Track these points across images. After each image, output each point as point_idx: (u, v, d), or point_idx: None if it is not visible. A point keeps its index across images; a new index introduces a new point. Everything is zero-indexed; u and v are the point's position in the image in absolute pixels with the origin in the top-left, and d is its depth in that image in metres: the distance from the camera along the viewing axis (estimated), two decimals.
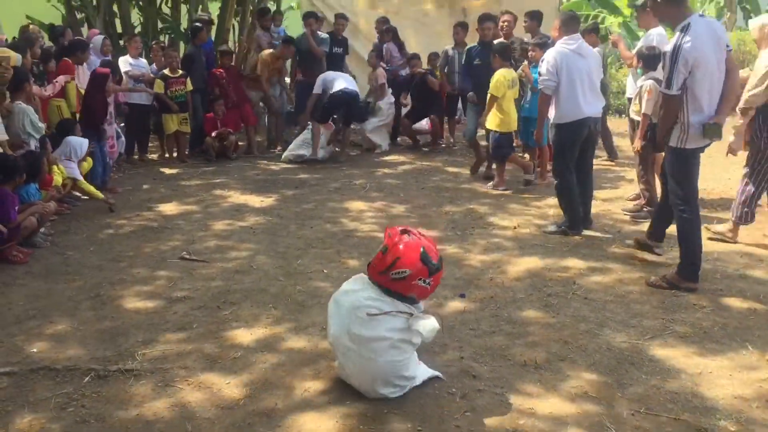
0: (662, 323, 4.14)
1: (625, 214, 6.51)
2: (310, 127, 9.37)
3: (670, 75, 4.37)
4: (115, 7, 13.19)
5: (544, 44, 6.86)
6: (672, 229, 4.90)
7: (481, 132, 8.34)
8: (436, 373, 3.50)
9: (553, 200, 6.41)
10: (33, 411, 3.24)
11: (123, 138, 9.01)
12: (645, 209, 6.38)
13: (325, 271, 5.09)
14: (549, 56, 5.81)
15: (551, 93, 5.80)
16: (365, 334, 3.25)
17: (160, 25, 13.98)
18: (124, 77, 9.04)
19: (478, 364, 3.64)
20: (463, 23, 9.64)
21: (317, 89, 9.15)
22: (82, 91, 7.73)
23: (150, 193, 7.66)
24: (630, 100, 7.09)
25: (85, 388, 3.42)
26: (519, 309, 4.37)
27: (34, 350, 3.85)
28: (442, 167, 8.94)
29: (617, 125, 11.87)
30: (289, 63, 10.58)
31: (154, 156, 9.80)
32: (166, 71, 9.20)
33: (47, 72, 7.66)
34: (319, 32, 10.21)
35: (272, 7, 14.53)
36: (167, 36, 13.90)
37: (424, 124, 10.61)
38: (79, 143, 7.01)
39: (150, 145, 9.99)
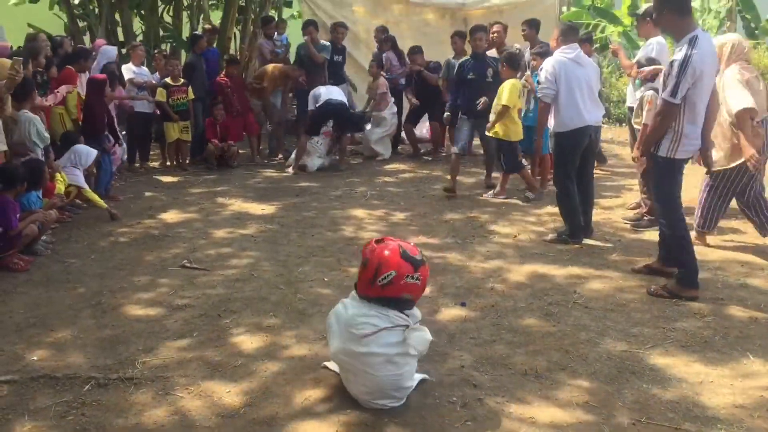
0: (663, 332, 4.13)
1: (625, 223, 6.51)
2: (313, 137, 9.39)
3: (676, 84, 4.38)
4: (117, 16, 13.25)
5: (545, 53, 6.88)
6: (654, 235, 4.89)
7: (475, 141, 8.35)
8: (424, 375, 3.50)
9: (554, 209, 6.42)
10: (33, 419, 3.23)
11: (124, 145, 9.04)
12: (646, 218, 6.38)
13: (326, 279, 5.09)
14: (547, 65, 5.84)
15: (550, 101, 5.82)
16: (360, 351, 3.24)
17: (161, 33, 14.04)
18: (127, 84, 9.09)
19: (479, 373, 3.63)
20: (460, 32, 9.62)
21: (310, 105, 9.21)
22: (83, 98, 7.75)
23: (151, 201, 7.68)
24: (630, 109, 7.11)
25: (85, 397, 3.42)
26: (520, 317, 4.37)
27: (35, 358, 3.85)
28: (443, 175, 8.94)
29: (618, 134, 11.91)
30: None
31: (155, 164, 9.82)
32: (168, 80, 9.24)
33: (49, 79, 7.68)
34: (322, 41, 10.24)
35: (273, 15, 14.58)
36: (168, 45, 13.96)
37: (425, 132, 10.63)
38: (86, 152, 7.04)
39: (151, 153, 10.01)
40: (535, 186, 7.61)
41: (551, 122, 5.93)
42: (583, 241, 5.89)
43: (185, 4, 14.70)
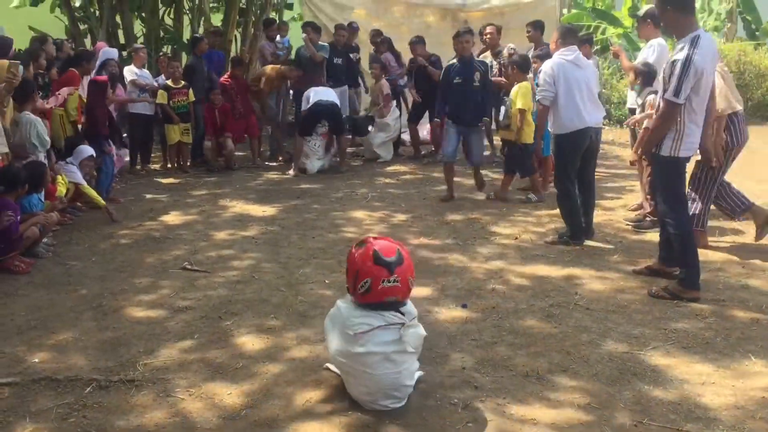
0: (664, 333, 4.13)
1: (627, 225, 6.51)
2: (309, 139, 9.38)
3: (678, 84, 4.37)
4: (117, 18, 13.27)
5: (545, 55, 6.89)
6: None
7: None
8: (419, 372, 3.50)
9: (555, 210, 6.42)
10: (34, 421, 3.23)
11: (126, 148, 9.06)
12: (648, 219, 6.38)
13: (326, 281, 5.09)
14: (546, 67, 5.84)
15: (549, 104, 5.81)
16: (357, 351, 3.24)
17: (162, 35, 14.07)
18: (128, 86, 9.11)
19: (480, 375, 3.63)
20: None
21: (303, 106, 9.23)
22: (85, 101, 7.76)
23: (152, 203, 7.68)
24: (631, 110, 7.10)
25: (86, 399, 3.42)
26: (521, 319, 4.36)
27: (36, 360, 3.85)
28: (444, 177, 8.93)
29: (619, 135, 11.91)
30: None
31: (157, 166, 9.82)
32: (169, 82, 9.26)
33: (51, 81, 7.68)
34: (320, 42, 10.26)
35: (274, 18, 14.60)
36: (171, 47, 13.98)
37: (425, 134, 10.64)
38: (82, 149, 7.07)
39: (152, 155, 10.01)
40: (539, 189, 7.60)
41: (553, 124, 5.92)
42: (585, 243, 5.89)
43: (186, 7, 14.72)
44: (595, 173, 6.32)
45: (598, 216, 6.46)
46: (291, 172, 9.20)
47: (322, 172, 9.29)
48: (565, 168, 5.86)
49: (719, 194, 5.80)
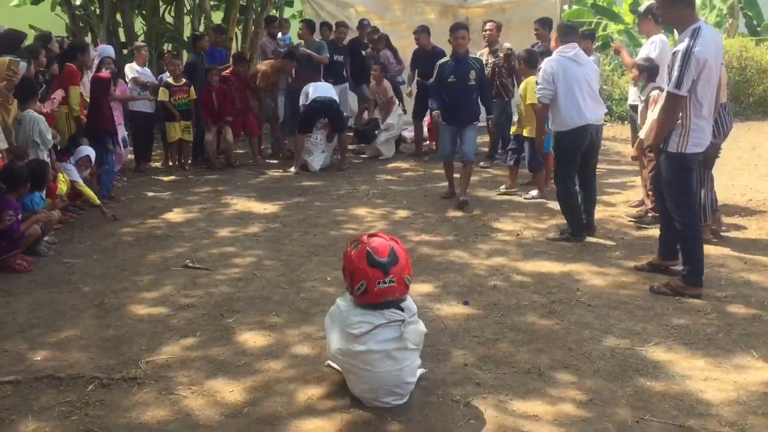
0: (666, 330, 4.13)
1: (629, 221, 6.50)
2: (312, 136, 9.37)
3: (680, 75, 4.34)
4: (118, 17, 13.26)
5: (545, 52, 6.90)
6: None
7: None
8: (421, 369, 3.51)
9: (557, 206, 6.41)
10: (37, 419, 3.24)
11: (129, 147, 9.06)
12: (650, 214, 6.37)
13: (328, 278, 5.09)
14: (545, 65, 5.82)
15: (548, 102, 5.78)
16: (358, 349, 3.24)
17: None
18: (130, 84, 9.11)
19: (482, 372, 3.63)
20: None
21: (302, 101, 9.21)
22: (87, 99, 7.75)
23: (153, 201, 7.68)
24: (632, 107, 7.09)
25: (88, 397, 3.43)
26: (522, 315, 4.37)
27: (38, 359, 3.86)
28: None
29: (620, 131, 11.90)
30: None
31: (158, 164, 9.82)
32: (170, 80, 9.26)
33: (52, 77, 7.64)
34: (316, 39, 10.26)
35: (275, 15, 14.60)
36: (170, 45, 13.97)
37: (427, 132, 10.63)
38: (86, 149, 7.07)
39: (153, 153, 10.02)
40: (543, 186, 7.58)
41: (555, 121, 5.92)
42: (586, 239, 5.89)
43: (187, 5, 14.71)
44: (597, 169, 6.32)
45: (599, 212, 6.46)
46: (292, 169, 9.20)
47: (323, 169, 9.29)
48: (566, 165, 5.85)
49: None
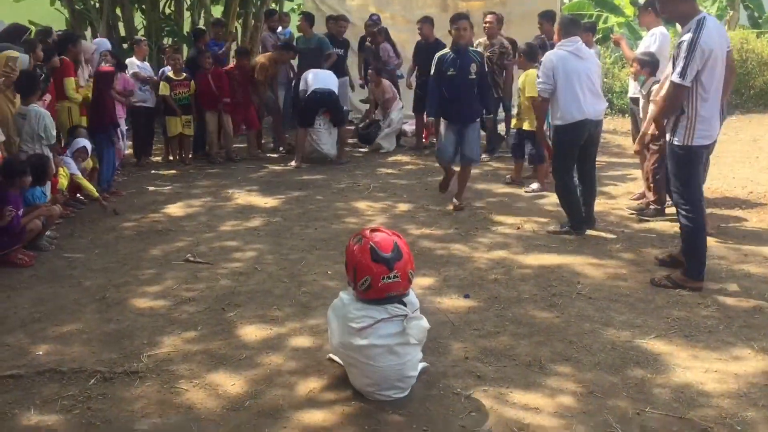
0: (667, 322, 4.13)
1: (630, 214, 6.49)
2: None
3: (684, 65, 4.33)
4: (118, 11, 13.24)
5: (542, 45, 6.89)
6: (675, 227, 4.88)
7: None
8: (424, 363, 3.51)
9: (557, 199, 6.41)
10: (39, 413, 3.25)
11: (128, 141, 9.05)
12: (652, 207, 6.37)
13: (329, 272, 5.09)
14: (545, 59, 5.80)
15: (548, 96, 5.76)
16: (360, 344, 3.25)
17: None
18: (130, 78, 9.11)
19: (483, 364, 3.64)
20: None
21: (302, 86, 9.15)
22: (85, 91, 7.74)
23: (154, 196, 7.68)
24: (633, 99, 7.07)
25: (90, 390, 3.44)
26: (523, 308, 4.37)
27: (40, 353, 3.87)
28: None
29: (621, 125, 11.88)
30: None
31: (158, 158, 9.82)
32: (171, 74, 9.25)
33: (52, 69, 7.61)
34: (316, 33, 10.23)
35: (275, 8, 14.57)
36: (170, 40, 13.95)
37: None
38: (82, 140, 7.07)
39: (153, 147, 10.01)
40: (543, 180, 7.57)
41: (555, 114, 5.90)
42: (587, 232, 5.89)
43: (188, 0, 14.68)
44: (597, 162, 6.31)
45: (600, 205, 6.45)
46: (293, 163, 9.18)
47: (324, 163, 9.27)
48: (563, 159, 5.84)
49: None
